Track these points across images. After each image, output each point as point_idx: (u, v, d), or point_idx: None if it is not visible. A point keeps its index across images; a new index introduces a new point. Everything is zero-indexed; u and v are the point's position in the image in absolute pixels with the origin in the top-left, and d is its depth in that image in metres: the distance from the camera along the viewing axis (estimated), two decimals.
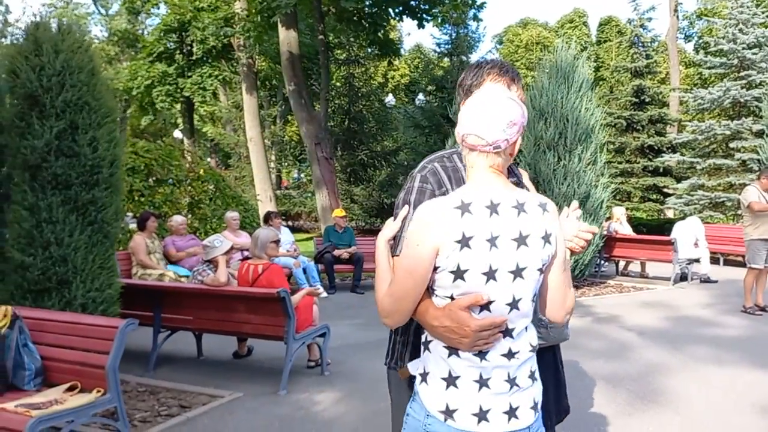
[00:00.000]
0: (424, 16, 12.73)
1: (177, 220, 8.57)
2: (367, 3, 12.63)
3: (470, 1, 12.73)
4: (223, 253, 5.58)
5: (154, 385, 5.29)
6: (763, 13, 16.04)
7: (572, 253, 1.74)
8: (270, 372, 5.60)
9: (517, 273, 1.58)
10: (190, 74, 24.07)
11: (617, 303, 9.08)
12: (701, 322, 7.70)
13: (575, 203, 1.75)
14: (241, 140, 23.24)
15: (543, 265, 1.62)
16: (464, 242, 1.53)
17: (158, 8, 26.62)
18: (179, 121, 32.37)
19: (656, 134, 19.45)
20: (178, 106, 27.83)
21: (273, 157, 26.68)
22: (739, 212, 14.58)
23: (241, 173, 23.40)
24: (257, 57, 19.26)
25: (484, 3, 12.81)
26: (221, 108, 26.38)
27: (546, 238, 1.61)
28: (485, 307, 1.58)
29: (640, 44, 21.13)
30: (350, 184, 21.26)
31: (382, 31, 13.48)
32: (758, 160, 13.80)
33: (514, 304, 1.59)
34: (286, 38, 13.18)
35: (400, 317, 1.65)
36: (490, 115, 1.59)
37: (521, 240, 1.57)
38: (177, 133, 29.51)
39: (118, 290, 5.04)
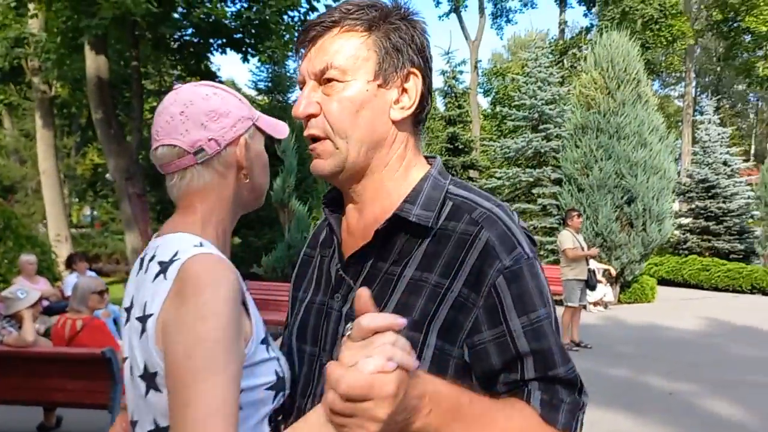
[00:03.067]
0: (249, 50, 12.32)
1: None
2: (189, 32, 11.94)
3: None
4: (29, 306, 4.61)
5: None
6: (558, 72, 17.89)
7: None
8: None
9: (129, 369, 1.03)
10: None
11: None
12: None
13: (361, 294, 0.76)
14: (30, 173, 20.72)
15: (149, 373, 0.96)
16: None
17: None
18: None
19: (468, 179, 20.70)
20: None
21: (66, 192, 24.06)
22: (542, 253, 15.85)
23: (30, 210, 20.79)
24: (54, 82, 17.33)
25: None
26: (5, 136, 23.39)
27: (143, 321, 0.98)
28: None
29: (452, 94, 22.53)
30: (160, 224, 19.81)
31: (204, 62, 12.80)
32: (557, 205, 15.10)
33: (133, 425, 1.04)
34: (95, 63, 11.96)
35: None
36: (172, 111, 1.07)
37: (129, 312, 1.04)
38: None
39: None
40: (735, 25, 27.14)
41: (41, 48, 14.41)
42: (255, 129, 1.14)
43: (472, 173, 21.53)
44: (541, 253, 15.81)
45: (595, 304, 12.47)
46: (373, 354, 0.70)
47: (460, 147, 20.96)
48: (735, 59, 29.21)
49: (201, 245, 1.01)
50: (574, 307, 8.67)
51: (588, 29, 29.90)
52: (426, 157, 1.13)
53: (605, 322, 11.09)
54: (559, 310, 9.01)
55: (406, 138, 1.05)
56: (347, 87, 0.98)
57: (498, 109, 23.02)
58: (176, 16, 11.44)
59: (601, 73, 13.72)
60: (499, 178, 17.26)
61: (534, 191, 16.43)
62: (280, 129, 1.17)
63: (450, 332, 0.91)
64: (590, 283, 8.69)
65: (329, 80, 0.98)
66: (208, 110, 1.06)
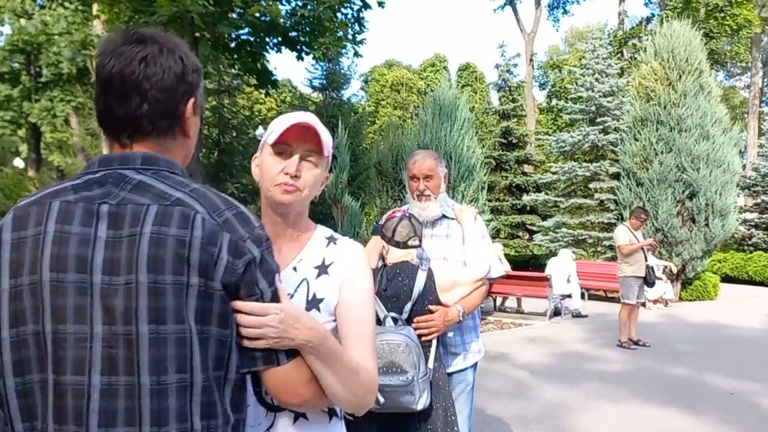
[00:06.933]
0: (304, 48, 12.46)
1: None
2: (246, 31, 12.14)
3: (351, 37, 12.66)
4: None
5: None
6: (616, 64, 17.50)
7: None
8: None
9: None
10: (37, 98, 21.99)
11: (502, 340, 9.12)
12: (585, 358, 7.86)
13: None
14: None
15: None
16: None
17: (2, 25, 24.26)
18: (21, 148, 29.54)
19: (522, 174, 20.46)
20: (21, 132, 25.36)
21: None
22: (599, 249, 15.56)
23: None
24: None
25: (364, 39, 12.80)
26: (73, 135, 24.36)
27: None
28: None
29: (506, 88, 22.27)
30: None
31: (261, 61, 13.03)
32: (615, 200, 14.79)
33: None
34: None
35: None
36: None
37: None
38: (18, 162, 26.85)
39: None
40: None
41: None
42: None
43: (527, 168, 21.24)
44: (599, 249, 15.52)
45: (655, 301, 12.17)
46: None
47: (514, 141, 20.71)
48: None
49: None
50: (631, 305, 8.47)
51: (648, 19, 29.05)
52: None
53: (665, 320, 10.82)
54: (617, 308, 8.84)
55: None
56: None
57: (554, 102, 22.60)
58: (233, 16, 11.66)
59: (662, 64, 13.34)
60: (554, 173, 17.01)
61: (591, 186, 16.14)
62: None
63: None
64: (648, 280, 8.45)
65: None
66: None
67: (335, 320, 1.45)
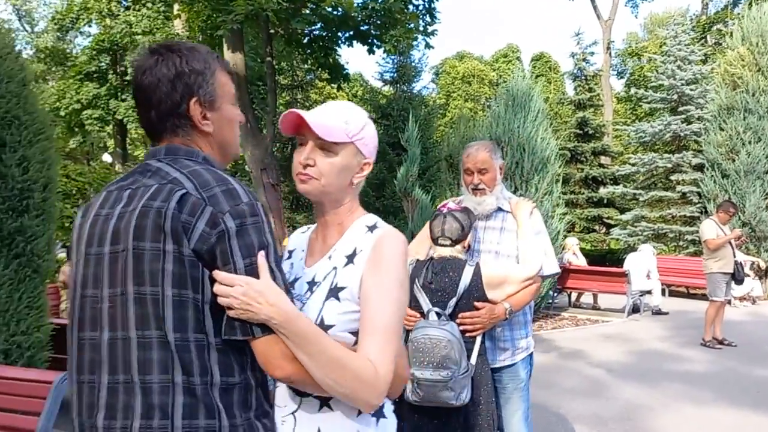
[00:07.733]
0: (375, 41, 12.48)
1: None
2: (318, 26, 12.27)
3: (422, 28, 12.57)
4: None
5: None
6: (699, 50, 16.71)
7: None
8: None
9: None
10: (124, 97, 22.96)
11: (577, 336, 8.90)
12: (666, 357, 7.56)
13: None
14: None
15: None
16: None
17: (90, 26, 25.45)
18: (109, 143, 30.99)
19: (599, 166, 19.83)
20: (109, 128, 26.57)
21: None
22: (681, 244, 14.93)
23: None
24: None
25: (436, 30, 12.69)
26: None
27: None
28: None
29: (582, 77, 21.63)
30: (293, 212, 20.74)
31: (332, 55, 13.15)
32: (698, 193, 14.15)
33: None
34: (232, 59, 12.62)
35: None
36: None
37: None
38: (106, 157, 28.14)
39: (48, 333, 4.37)
40: None
41: None
42: None
43: (604, 159, 20.57)
44: (681, 243, 14.90)
45: (742, 299, 11.57)
46: None
47: (591, 132, 20.09)
48: None
49: None
50: (719, 302, 8.07)
51: (735, 2, 27.57)
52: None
53: (752, 319, 10.28)
54: (704, 305, 8.45)
55: None
56: None
57: (633, 91, 21.80)
58: (307, 11, 11.78)
59: (750, 49, 12.64)
60: (633, 165, 16.39)
61: (672, 178, 15.48)
62: None
63: None
64: (737, 277, 8.02)
65: None
66: None
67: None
